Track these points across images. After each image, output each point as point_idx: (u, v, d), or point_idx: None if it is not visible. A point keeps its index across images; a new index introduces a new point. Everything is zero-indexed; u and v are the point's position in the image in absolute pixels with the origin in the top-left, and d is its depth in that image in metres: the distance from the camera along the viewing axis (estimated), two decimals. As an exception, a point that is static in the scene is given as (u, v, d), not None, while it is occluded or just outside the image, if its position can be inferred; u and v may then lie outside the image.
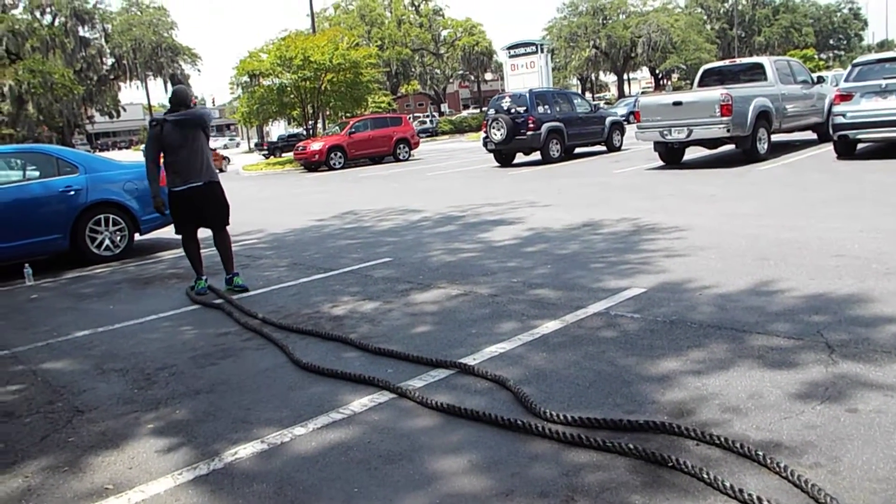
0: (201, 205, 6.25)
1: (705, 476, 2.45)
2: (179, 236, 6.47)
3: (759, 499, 2.28)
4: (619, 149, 19.35)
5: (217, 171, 6.59)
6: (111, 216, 8.61)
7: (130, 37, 51.99)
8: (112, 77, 54.83)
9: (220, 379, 4.09)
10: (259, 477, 2.86)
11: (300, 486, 2.76)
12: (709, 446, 2.72)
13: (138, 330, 5.36)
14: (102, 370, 4.45)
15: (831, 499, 2.23)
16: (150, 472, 3.00)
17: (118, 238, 8.69)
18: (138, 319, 5.63)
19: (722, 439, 2.69)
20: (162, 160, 6.27)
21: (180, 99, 6.21)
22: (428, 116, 56.58)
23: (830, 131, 12.22)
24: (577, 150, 19.09)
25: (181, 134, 6.09)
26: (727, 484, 2.38)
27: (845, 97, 11.46)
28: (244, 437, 3.25)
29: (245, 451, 3.11)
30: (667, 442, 2.79)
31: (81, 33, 50.77)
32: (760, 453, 2.55)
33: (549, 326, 4.40)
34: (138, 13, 54.64)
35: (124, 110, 60.63)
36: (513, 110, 17.51)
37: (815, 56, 64.86)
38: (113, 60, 54.10)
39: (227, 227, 6.44)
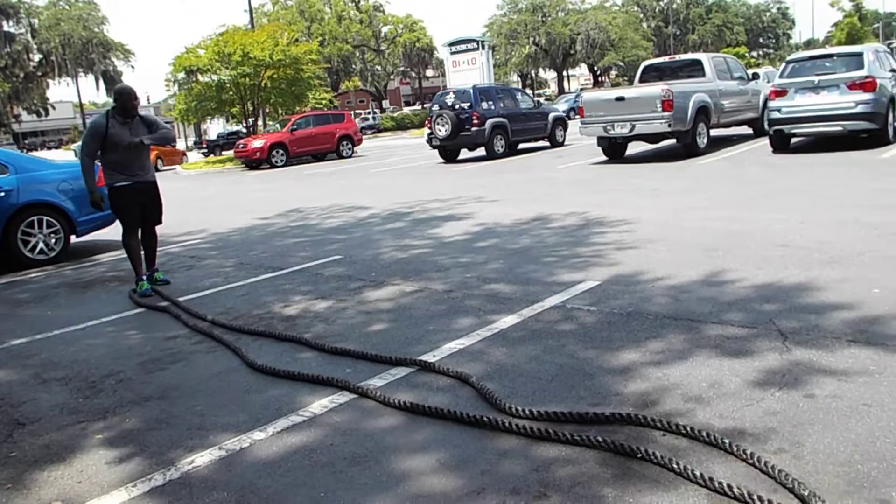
0: (146, 200, 6.36)
1: (675, 466, 2.46)
2: (121, 236, 6.43)
3: (728, 486, 2.29)
4: (562, 144, 19.56)
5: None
6: (45, 218, 8.24)
7: (59, 32, 50.10)
8: (40, 74, 52.75)
9: (171, 384, 3.95)
10: (219, 485, 2.76)
11: (263, 493, 2.67)
12: (675, 436, 2.73)
13: (80, 336, 5.13)
14: (43, 379, 4.24)
15: (798, 483, 2.26)
16: (102, 486, 2.86)
17: (53, 241, 8.33)
18: (79, 325, 5.40)
19: (688, 429, 2.72)
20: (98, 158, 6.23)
21: (133, 97, 6.26)
22: (370, 113, 56.25)
23: (766, 126, 12.60)
24: (521, 145, 19.22)
25: (133, 133, 6.12)
26: (697, 473, 2.39)
27: (780, 93, 11.82)
28: (200, 444, 3.14)
29: (202, 458, 2.99)
30: (634, 433, 2.80)
31: (6, 28, 48.71)
32: (726, 441, 2.58)
33: (507, 321, 4.38)
34: (67, 7, 52.71)
35: (53, 108, 58.41)
36: (457, 106, 17.52)
37: (747, 54, 66.99)
38: (40, 56, 52.06)
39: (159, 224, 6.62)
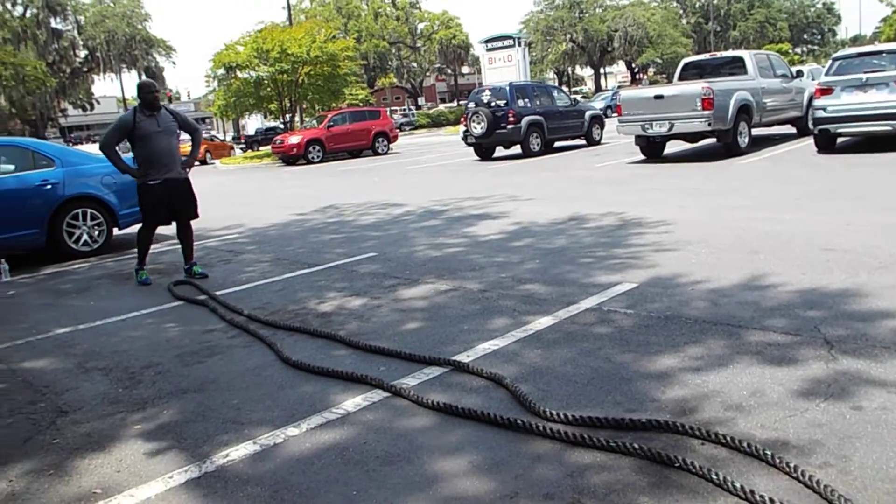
0: (175, 198, 6.53)
1: (714, 477, 2.41)
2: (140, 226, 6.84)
3: (770, 500, 2.23)
4: (599, 142, 19.37)
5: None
6: (89, 210, 8.41)
7: (104, 28, 51.08)
8: (85, 69, 53.88)
9: (208, 378, 3.98)
10: (253, 479, 2.77)
11: (297, 489, 2.68)
12: (715, 446, 2.67)
13: (121, 327, 5.22)
14: (85, 369, 4.32)
15: (845, 500, 2.19)
16: (140, 476, 2.89)
17: (96, 233, 8.50)
18: (120, 316, 5.49)
19: (728, 438, 2.65)
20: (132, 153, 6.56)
21: (152, 89, 6.51)
22: (407, 110, 56.40)
23: (811, 125, 12.31)
24: (557, 143, 19.09)
25: (159, 124, 6.31)
26: (737, 485, 2.33)
27: (826, 91, 11.53)
28: (235, 438, 3.16)
29: (237, 452, 3.01)
30: (671, 441, 2.74)
31: (54, 25, 49.85)
32: (769, 453, 2.51)
33: (542, 322, 4.34)
34: (111, 4, 53.71)
35: (98, 103, 59.57)
36: (493, 104, 17.45)
37: (790, 51, 65.60)
38: (86, 52, 53.17)
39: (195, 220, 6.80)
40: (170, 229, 6.93)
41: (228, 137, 50.47)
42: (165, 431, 3.31)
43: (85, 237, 8.40)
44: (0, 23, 43.98)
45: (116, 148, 6.51)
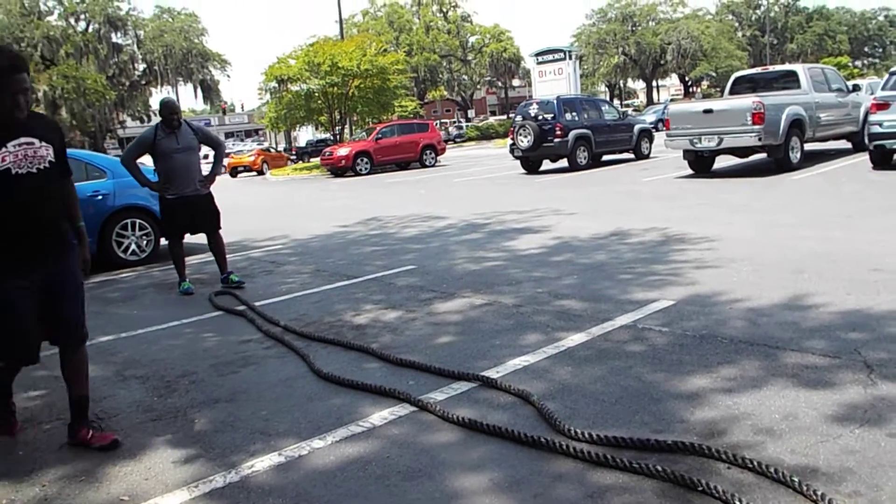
0: (196, 213, 6.72)
1: (737, 502, 2.34)
2: (167, 241, 7.04)
3: (795, 529, 2.16)
4: (647, 156, 19.14)
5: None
6: (138, 221, 8.66)
7: (162, 43, 52.68)
8: (143, 82, 55.60)
9: (241, 388, 4.05)
10: (275, 491, 2.80)
11: (317, 501, 2.70)
12: (741, 470, 2.60)
13: (161, 336, 5.34)
14: (124, 377, 4.43)
15: (873, 531, 2.11)
16: (166, 484, 2.95)
17: (144, 243, 8.74)
18: (161, 325, 5.62)
19: (755, 463, 2.58)
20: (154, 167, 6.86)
21: (172, 109, 6.67)
22: (456, 123, 56.66)
23: (866, 141, 11.95)
24: (605, 157, 18.92)
25: (178, 141, 6.53)
26: (761, 512, 2.26)
27: (882, 106, 11.19)
28: (262, 448, 3.20)
29: (262, 463, 3.05)
30: (696, 464, 2.68)
31: (114, 39, 51.60)
32: (796, 479, 2.43)
33: (575, 339, 4.29)
34: (170, 20, 55.36)
35: (155, 115, 61.46)
36: (540, 117, 17.42)
37: (850, 64, 63.91)
38: (144, 66, 54.87)
39: (220, 231, 6.95)
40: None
41: (280, 149, 51.52)
42: (194, 440, 3.37)
43: (133, 247, 8.65)
44: (63, 38, 45.72)
45: (137, 161, 6.80)
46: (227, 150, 7.40)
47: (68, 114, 42.46)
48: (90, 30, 50.32)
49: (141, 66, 55.14)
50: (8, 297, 3.14)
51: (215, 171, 6.89)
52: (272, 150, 40.86)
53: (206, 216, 6.79)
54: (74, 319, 3.39)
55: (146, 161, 7.04)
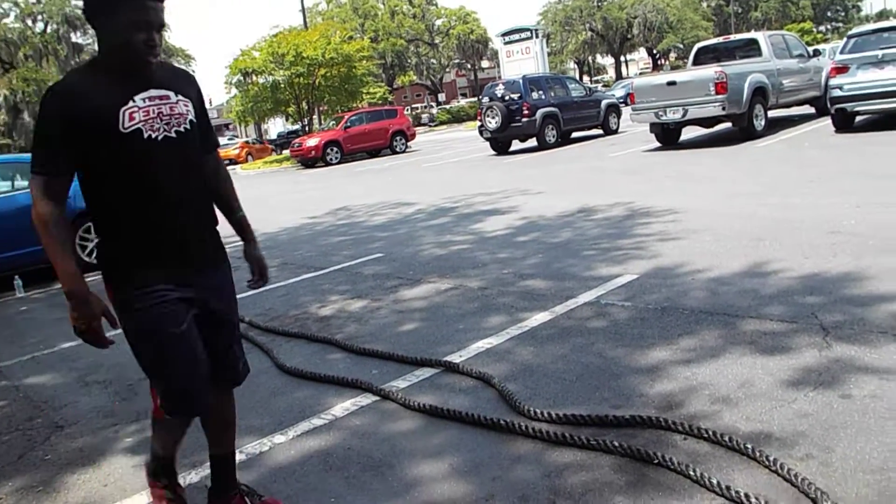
0: None
1: (692, 473, 2.35)
2: None
3: (746, 496, 2.17)
4: (615, 131, 19.18)
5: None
6: (101, 223, 8.51)
7: (123, 41, 51.78)
8: (107, 82, 54.70)
9: (203, 387, 4.00)
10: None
11: (276, 497, 2.67)
12: (697, 440, 2.61)
13: (125, 339, 5.26)
14: (86, 382, 4.37)
15: (822, 493, 2.13)
16: (125, 490, 2.92)
17: (109, 245, 8.59)
18: (125, 328, 5.54)
19: (710, 433, 2.59)
20: None
21: None
22: (426, 106, 56.39)
23: (828, 105, 12.05)
24: (574, 134, 18.93)
25: None
26: (714, 481, 2.28)
27: (841, 69, 11.27)
28: (223, 447, 3.16)
29: (223, 462, 3.01)
30: (654, 437, 2.69)
31: (74, 39, 50.59)
32: (749, 447, 2.45)
33: (538, 318, 4.29)
34: (131, 16, 54.34)
35: (121, 115, 60.38)
36: (507, 97, 17.36)
37: (814, 29, 64.38)
38: (107, 65, 53.94)
39: None
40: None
41: (251, 142, 51.02)
42: (155, 442, 3.32)
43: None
44: (21, 40, 44.77)
45: None
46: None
47: (31, 117, 41.64)
48: (48, 31, 49.30)
49: (103, 66, 54.17)
50: (170, 317, 2.17)
51: None
52: (257, 143, 40.68)
53: None
54: (237, 349, 2.47)
55: None
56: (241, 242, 2.59)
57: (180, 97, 2.20)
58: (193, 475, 2.94)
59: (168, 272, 2.19)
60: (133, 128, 2.08)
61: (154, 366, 2.26)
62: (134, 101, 2.09)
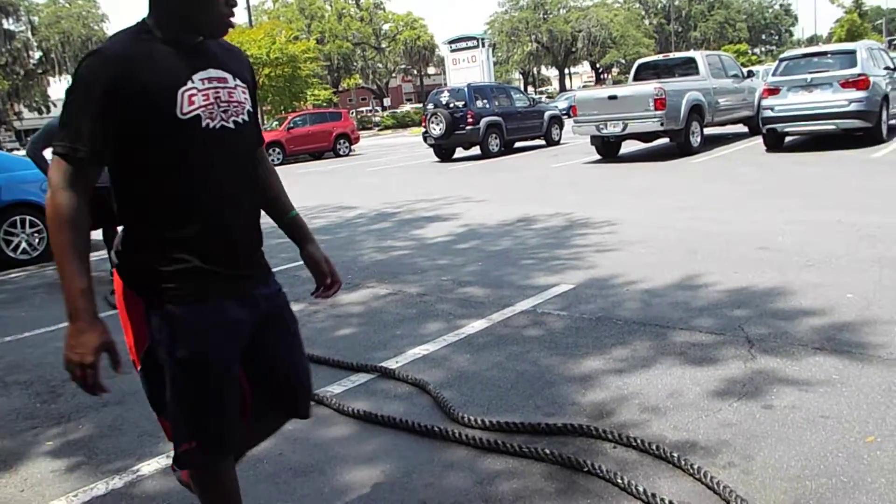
0: (99, 203, 6.29)
1: (619, 481, 2.40)
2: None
3: (671, 503, 2.23)
4: (558, 143, 19.48)
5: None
6: (28, 217, 8.20)
7: (59, 29, 50.11)
8: (40, 71, 52.77)
9: (131, 389, 3.85)
10: (160, 496, 2.70)
11: (203, 504, 2.61)
12: (626, 448, 2.67)
13: (49, 338, 5.07)
14: (5, 383, 4.19)
15: (741, 501, 2.19)
16: (43, 495, 2.80)
17: (36, 240, 8.29)
18: (50, 327, 5.34)
19: (638, 441, 2.65)
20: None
21: None
22: (371, 110, 56.21)
23: (760, 124, 12.51)
24: (517, 144, 19.15)
25: None
26: (640, 488, 2.33)
27: (773, 91, 11.72)
28: (149, 452, 3.08)
29: (149, 467, 2.93)
30: (585, 445, 2.73)
31: (6, 26, 48.71)
32: (675, 455, 2.51)
33: (475, 326, 4.32)
34: (66, 5, 52.69)
35: (55, 106, 58.39)
36: (451, 105, 17.44)
37: (749, 51, 66.77)
38: (40, 54, 52.06)
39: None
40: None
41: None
42: (78, 447, 3.21)
43: (24, 245, 8.19)
44: (-50, 25, 42.89)
45: (44, 154, 6.40)
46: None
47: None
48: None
49: (36, 55, 52.28)
50: (230, 341, 1.85)
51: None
52: None
53: (109, 208, 6.53)
54: (306, 375, 2.12)
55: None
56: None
57: (238, 82, 1.85)
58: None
59: (226, 286, 1.83)
60: (192, 114, 1.71)
61: (197, 401, 1.82)
62: (193, 81, 1.73)
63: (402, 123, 48.04)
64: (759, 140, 13.16)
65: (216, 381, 1.81)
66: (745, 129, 15.82)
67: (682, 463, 2.46)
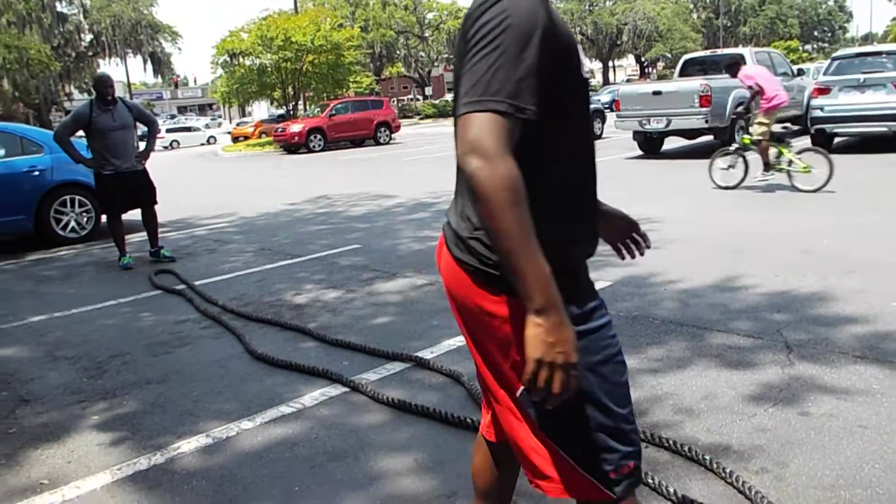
0: (133, 188, 6.72)
1: (650, 481, 2.41)
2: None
3: (701, 505, 2.23)
4: (599, 137, 19.27)
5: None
6: (77, 197, 8.43)
7: (110, 13, 50.98)
8: (91, 54, 53.78)
9: (174, 368, 4.00)
10: (199, 473, 2.79)
11: (240, 483, 2.69)
12: (658, 449, 2.67)
13: (95, 315, 5.24)
14: (54, 357, 4.34)
15: (774, 507, 2.19)
16: (89, 467, 2.91)
17: (84, 220, 8.52)
18: (97, 304, 5.50)
19: (671, 442, 2.65)
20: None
21: (107, 83, 6.65)
22: (413, 99, 56.24)
23: (808, 124, 12.24)
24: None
25: (115, 118, 6.51)
26: (671, 489, 2.33)
27: (823, 91, 11.46)
28: (189, 430, 3.17)
29: (189, 445, 3.02)
30: (616, 443, 2.74)
31: (59, 9, 49.72)
32: (707, 457, 2.51)
33: (511, 320, 4.33)
34: (118, -12, 53.56)
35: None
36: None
37: (800, 48, 65.18)
38: (91, 37, 53.02)
39: (156, 206, 6.96)
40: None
41: (233, 125, 50.57)
42: (122, 422, 3.32)
43: (73, 224, 8.43)
44: (5, 6, 43.92)
45: (70, 138, 6.74)
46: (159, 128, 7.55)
47: (10, 85, 40.98)
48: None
49: (88, 37, 53.28)
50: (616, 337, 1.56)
51: (150, 148, 6.96)
52: (272, 122, 40.68)
53: (143, 191, 6.82)
54: None
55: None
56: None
57: None
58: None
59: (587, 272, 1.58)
60: (588, 74, 1.51)
61: (630, 410, 1.54)
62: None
63: (442, 113, 48.02)
64: (806, 140, 12.87)
65: (626, 390, 1.54)
66: (794, 129, 15.47)
67: (714, 466, 2.46)
